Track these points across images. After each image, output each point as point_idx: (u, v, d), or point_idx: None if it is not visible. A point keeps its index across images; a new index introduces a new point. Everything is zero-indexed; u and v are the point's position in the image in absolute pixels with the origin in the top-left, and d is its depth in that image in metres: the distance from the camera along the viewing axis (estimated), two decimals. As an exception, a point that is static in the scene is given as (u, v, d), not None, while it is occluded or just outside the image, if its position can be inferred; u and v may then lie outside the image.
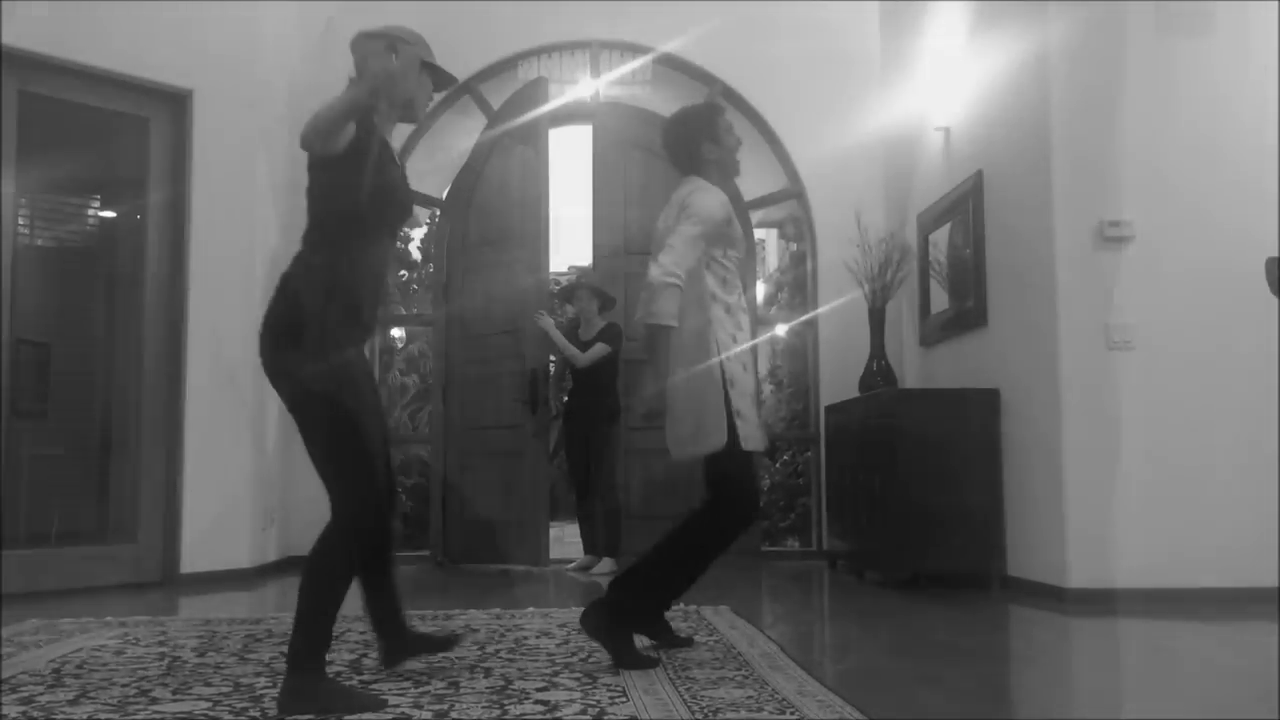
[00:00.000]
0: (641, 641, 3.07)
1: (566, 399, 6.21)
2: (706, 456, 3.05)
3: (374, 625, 2.85)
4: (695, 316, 3.04)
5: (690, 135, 3.22)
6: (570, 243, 7.85)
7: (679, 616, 3.81)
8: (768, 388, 8.07)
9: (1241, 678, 2.92)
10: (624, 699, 2.49)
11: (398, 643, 2.85)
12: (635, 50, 6.77)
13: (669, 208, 3.18)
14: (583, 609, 3.05)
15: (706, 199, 3.09)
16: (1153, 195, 4.49)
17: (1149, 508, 4.35)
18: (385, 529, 2.73)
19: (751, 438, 3.03)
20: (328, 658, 3.01)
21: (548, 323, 5.85)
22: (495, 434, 6.11)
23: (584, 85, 6.82)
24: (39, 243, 5.08)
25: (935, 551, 4.82)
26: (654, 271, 2.99)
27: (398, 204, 2.67)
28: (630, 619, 3.01)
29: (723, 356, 3.02)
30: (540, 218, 5.96)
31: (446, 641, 2.96)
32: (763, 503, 6.82)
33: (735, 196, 6.63)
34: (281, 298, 2.53)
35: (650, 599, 3.10)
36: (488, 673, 2.83)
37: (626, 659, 2.89)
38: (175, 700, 2.55)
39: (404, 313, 7.87)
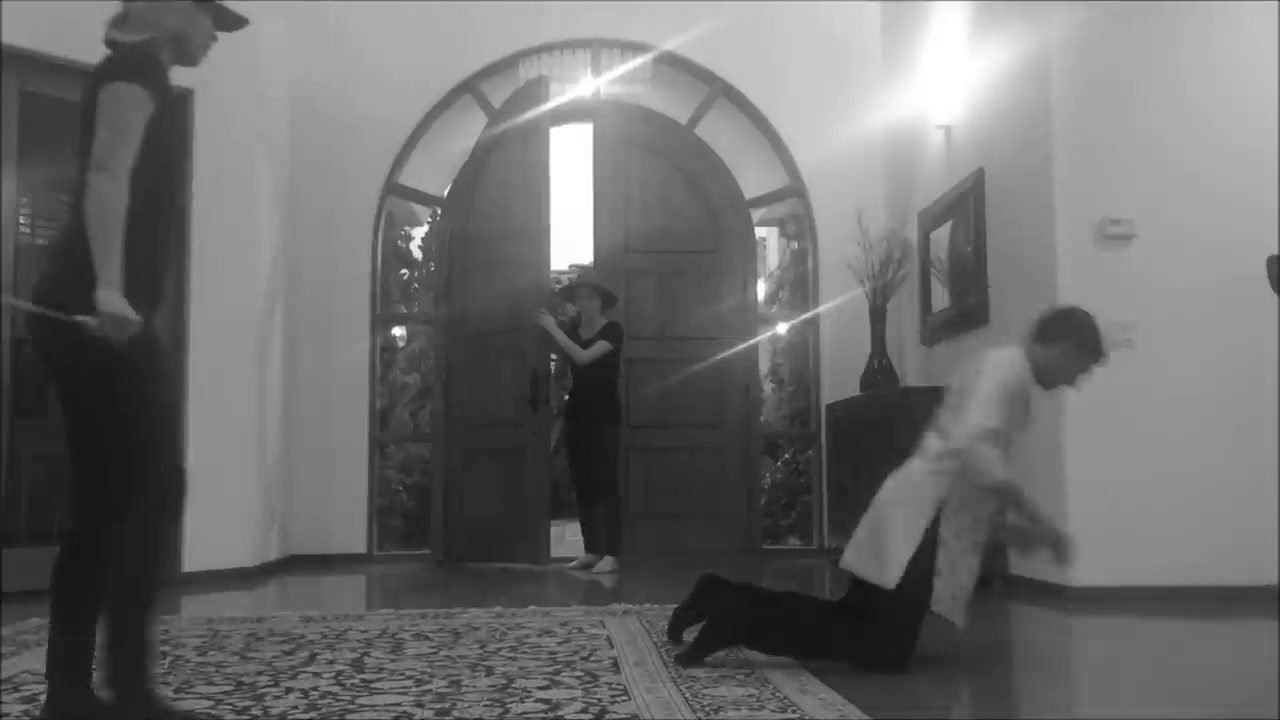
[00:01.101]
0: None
1: (568, 397, 6.21)
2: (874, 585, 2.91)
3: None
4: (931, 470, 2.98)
5: (1064, 336, 3.06)
6: (571, 241, 7.85)
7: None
8: (769, 386, 8.07)
9: (1241, 678, 2.92)
10: (625, 697, 2.49)
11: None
12: (636, 49, 6.77)
13: (969, 365, 3.10)
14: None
15: (1006, 367, 2.97)
16: (1154, 193, 4.49)
17: (1149, 507, 4.34)
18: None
19: (942, 601, 2.88)
20: (330, 657, 3.03)
21: (548, 321, 5.85)
22: (496, 432, 6.11)
23: (585, 84, 6.82)
24: (40, 242, 5.07)
25: (936, 550, 4.80)
26: (959, 433, 2.90)
27: (171, 148, 2.43)
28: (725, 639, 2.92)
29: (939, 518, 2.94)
30: (541, 216, 5.97)
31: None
32: (767, 499, 6.84)
33: (733, 201, 6.68)
34: (62, 260, 2.24)
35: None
36: (489, 671, 2.83)
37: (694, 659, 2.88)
38: (177, 699, 2.55)
39: (404, 311, 7.88)
